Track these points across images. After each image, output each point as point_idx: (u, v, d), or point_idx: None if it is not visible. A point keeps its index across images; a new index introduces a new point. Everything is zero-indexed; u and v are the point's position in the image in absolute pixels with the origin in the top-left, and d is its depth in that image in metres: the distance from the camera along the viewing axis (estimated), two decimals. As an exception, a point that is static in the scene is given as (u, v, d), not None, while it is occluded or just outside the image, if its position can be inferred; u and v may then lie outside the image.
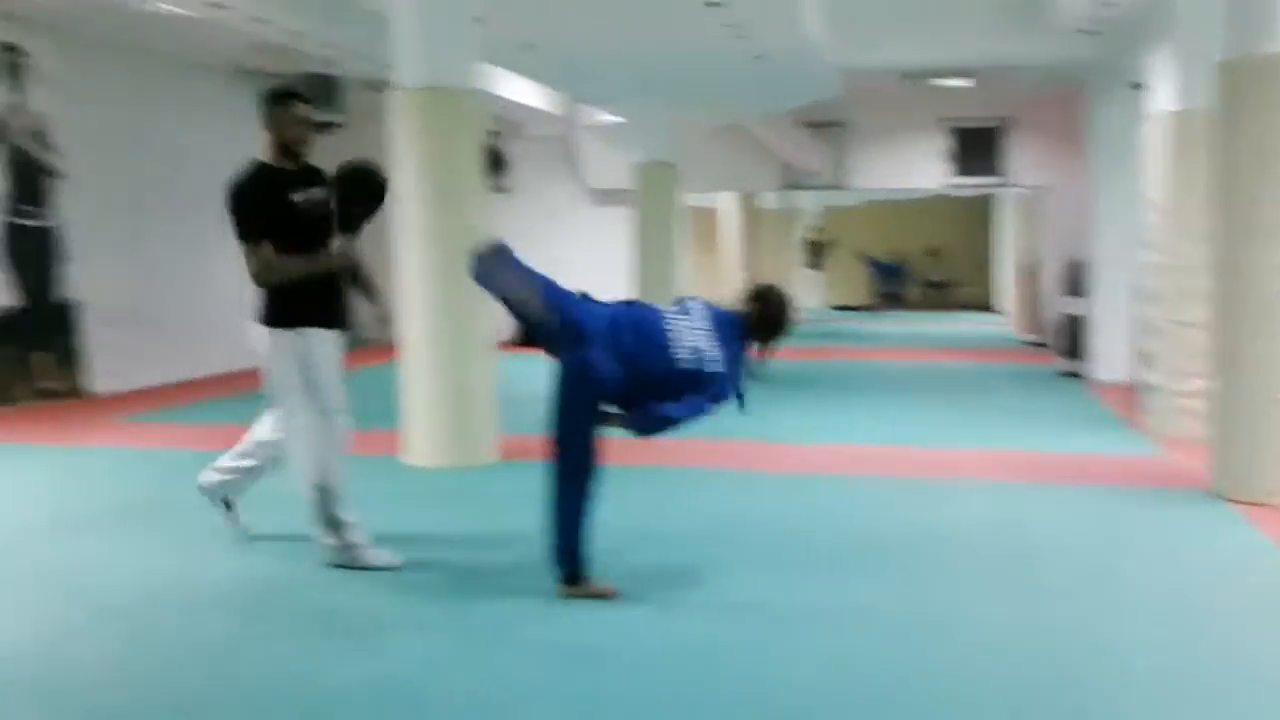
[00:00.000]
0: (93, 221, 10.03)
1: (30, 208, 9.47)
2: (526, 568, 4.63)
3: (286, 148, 4.60)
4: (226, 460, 5.00)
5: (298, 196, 4.51)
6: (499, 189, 15.35)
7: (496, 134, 15.23)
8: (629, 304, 4.39)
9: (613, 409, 4.08)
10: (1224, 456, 5.97)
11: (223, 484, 5.02)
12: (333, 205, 4.60)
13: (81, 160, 9.88)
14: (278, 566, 4.74)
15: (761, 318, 4.33)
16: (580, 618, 4.08)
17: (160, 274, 10.95)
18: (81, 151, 9.88)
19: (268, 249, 4.44)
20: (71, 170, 9.79)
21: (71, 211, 9.81)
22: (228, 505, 5.07)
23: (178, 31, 9.40)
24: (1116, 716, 3.28)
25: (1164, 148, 7.96)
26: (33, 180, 9.48)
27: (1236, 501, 5.78)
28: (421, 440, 6.85)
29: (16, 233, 9.31)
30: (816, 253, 24.48)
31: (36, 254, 9.52)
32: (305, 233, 4.52)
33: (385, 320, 5.04)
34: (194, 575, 4.64)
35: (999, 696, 3.39)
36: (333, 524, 4.61)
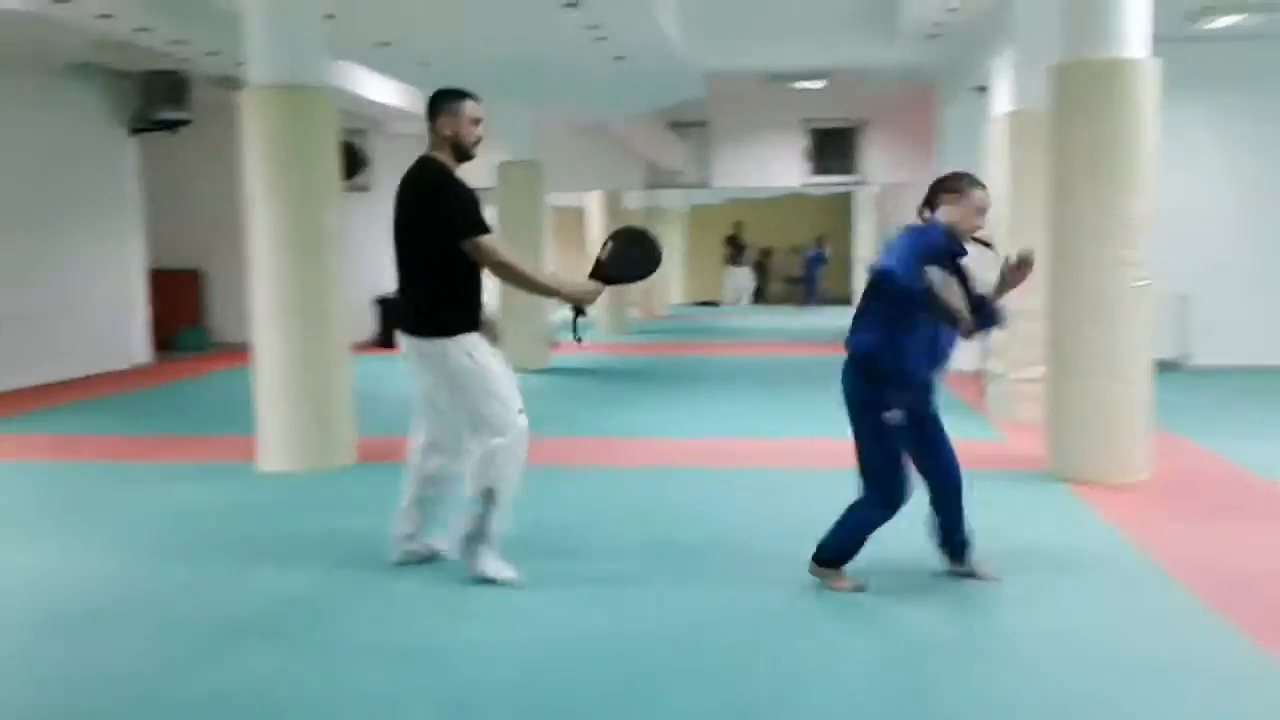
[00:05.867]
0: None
1: None
2: (382, 568, 4.61)
3: (460, 149, 4.42)
4: (407, 523, 4.62)
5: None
6: (359, 187, 15.09)
7: (358, 132, 14.98)
8: None
9: None
10: (1058, 439, 6.32)
11: (415, 548, 4.65)
12: (602, 256, 4.42)
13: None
14: (112, 577, 4.60)
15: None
16: (430, 619, 4.09)
17: (6, 277, 10.44)
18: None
19: (499, 241, 4.31)
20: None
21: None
22: (435, 554, 4.68)
23: (17, 27, 8.95)
24: (954, 694, 3.45)
25: (1004, 146, 8.35)
26: None
27: (1070, 481, 6.12)
28: (277, 445, 6.71)
29: None
30: (737, 249, 24.78)
31: None
32: None
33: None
34: (27, 586, 4.47)
35: (818, 672, 3.53)
36: (482, 535, 4.35)
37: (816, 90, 13.91)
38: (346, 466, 6.78)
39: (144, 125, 12.01)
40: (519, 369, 12.03)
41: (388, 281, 15.38)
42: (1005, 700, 3.34)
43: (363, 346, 14.81)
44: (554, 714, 3.26)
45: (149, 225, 12.83)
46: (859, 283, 23.17)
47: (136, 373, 11.84)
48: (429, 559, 4.68)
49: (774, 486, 6.26)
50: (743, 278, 24.90)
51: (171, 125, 11.89)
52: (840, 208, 25.45)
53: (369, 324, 14.78)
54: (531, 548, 4.89)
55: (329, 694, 3.40)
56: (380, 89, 12.72)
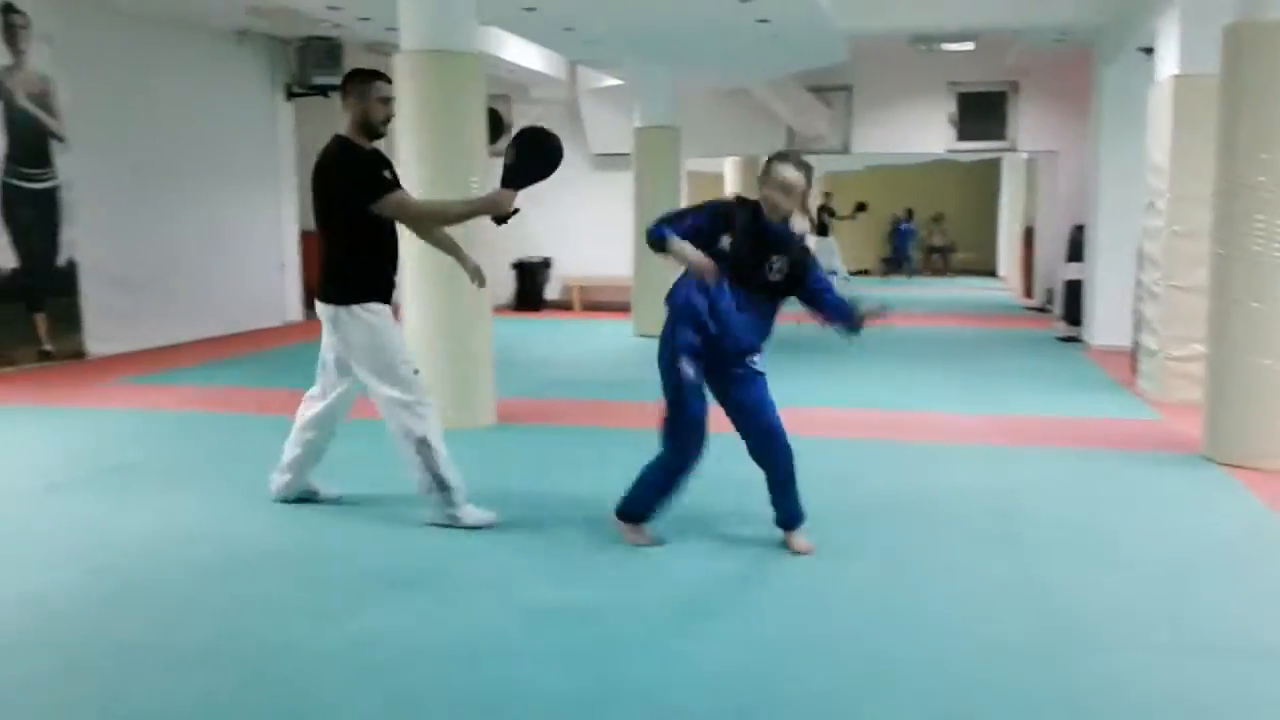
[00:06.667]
0: (93, 184, 10.05)
1: (30, 169, 9.48)
2: (521, 526, 4.71)
3: (368, 126, 4.64)
4: (286, 458, 5.03)
5: (388, 174, 4.64)
6: (501, 153, 15.25)
7: (501, 97, 15.16)
8: None
9: None
10: (1217, 421, 6.02)
11: (292, 484, 5.06)
12: (507, 160, 4.62)
13: (82, 122, 9.89)
14: (268, 528, 4.81)
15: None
16: (567, 575, 4.15)
17: (159, 237, 10.99)
18: (82, 113, 9.88)
19: (408, 194, 4.62)
20: (72, 132, 9.80)
21: (71, 173, 9.82)
22: (314, 494, 5.14)
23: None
24: (1098, 674, 3.33)
25: (1168, 112, 7.94)
26: (32, 142, 9.49)
27: (1229, 465, 5.83)
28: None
29: (15, 194, 9.33)
30: (825, 219, 24.22)
31: (36, 216, 9.54)
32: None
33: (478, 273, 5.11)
34: (188, 535, 4.69)
35: (980, 658, 3.45)
36: (438, 484, 4.69)
37: (965, 52, 13.47)
38: (487, 427, 6.93)
39: (299, 90, 12.50)
40: (647, 335, 12.27)
41: (527, 247, 15.70)
42: (1158, 692, 3.21)
43: (501, 309, 15.52)
44: (686, 670, 3.28)
45: (302, 188, 13.32)
46: (1005, 253, 22.48)
47: (289, 329, 12.34)
48: (310, 498, 5.11)
49: (922, 460, 6.15)
50: (827, 250, 24.08)
51: (325, 90, 12.29)
52: (982, 176, 24.63)
53: (508, 288, 15.08)
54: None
55: (467, 646, 3.49)
56: (523, 53, 12.84)
